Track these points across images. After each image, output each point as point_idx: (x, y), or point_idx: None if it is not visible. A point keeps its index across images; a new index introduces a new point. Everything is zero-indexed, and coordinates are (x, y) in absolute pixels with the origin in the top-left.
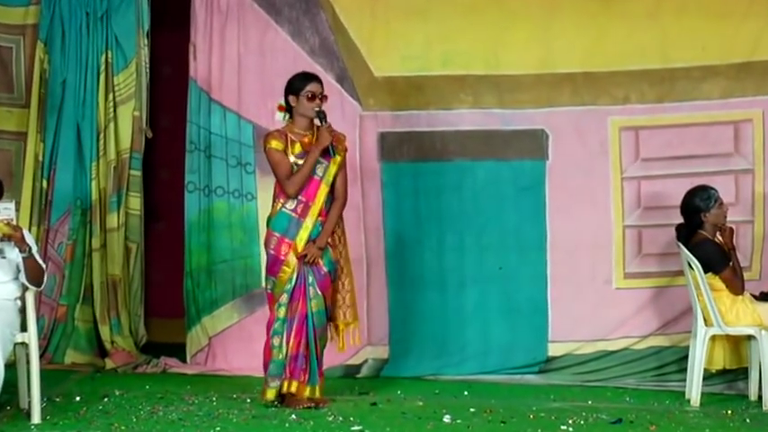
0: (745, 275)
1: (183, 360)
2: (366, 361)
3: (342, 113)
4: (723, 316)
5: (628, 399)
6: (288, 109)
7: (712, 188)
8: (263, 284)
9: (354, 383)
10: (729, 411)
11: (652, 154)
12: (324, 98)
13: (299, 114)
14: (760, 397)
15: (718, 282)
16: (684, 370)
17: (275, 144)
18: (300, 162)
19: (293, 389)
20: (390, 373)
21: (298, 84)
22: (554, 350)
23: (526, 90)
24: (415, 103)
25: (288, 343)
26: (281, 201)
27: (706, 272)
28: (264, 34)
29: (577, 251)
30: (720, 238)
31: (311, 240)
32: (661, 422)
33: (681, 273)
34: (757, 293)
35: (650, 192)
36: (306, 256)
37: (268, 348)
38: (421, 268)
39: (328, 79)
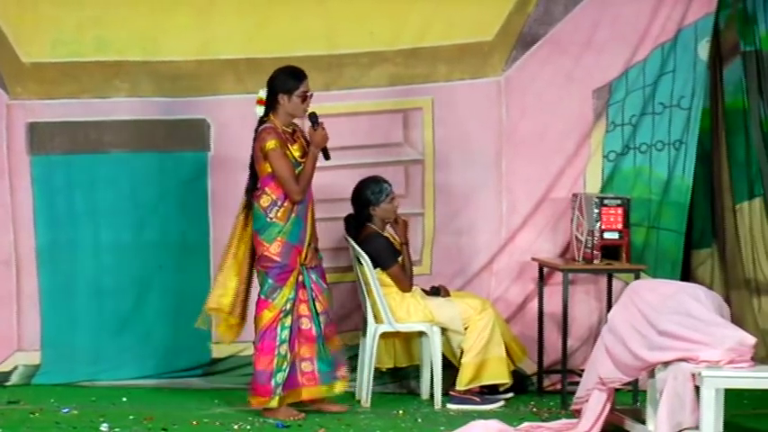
0: (416, 270)
1: None
2: (16, 368)
3: None
4: (393, 312)
5: None
6: (269, 104)
7: (386, 181)
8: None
9: (3, 392)
10: (401, 411)
11: None
12: (311, 96)
13: (286, 113)
14: (432, 395)
15: (387, 277)
16: (354, 369)
17: (277, 144)
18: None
19: (338, 389)
20: (42, 380)
21: (291, 82)
22: (218, 352)
23: (186, 78)
24: (68, 91)
25: (293, 350)
26: (287, 205)
27: (375, 267)
28: None
29: None
30: (392, 231)
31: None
32: (330, 424)
33: (351, 268)
34: (428, 288)
35: (319, 184)
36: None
37: (272, 357)
38: (76, 268)
39: None
